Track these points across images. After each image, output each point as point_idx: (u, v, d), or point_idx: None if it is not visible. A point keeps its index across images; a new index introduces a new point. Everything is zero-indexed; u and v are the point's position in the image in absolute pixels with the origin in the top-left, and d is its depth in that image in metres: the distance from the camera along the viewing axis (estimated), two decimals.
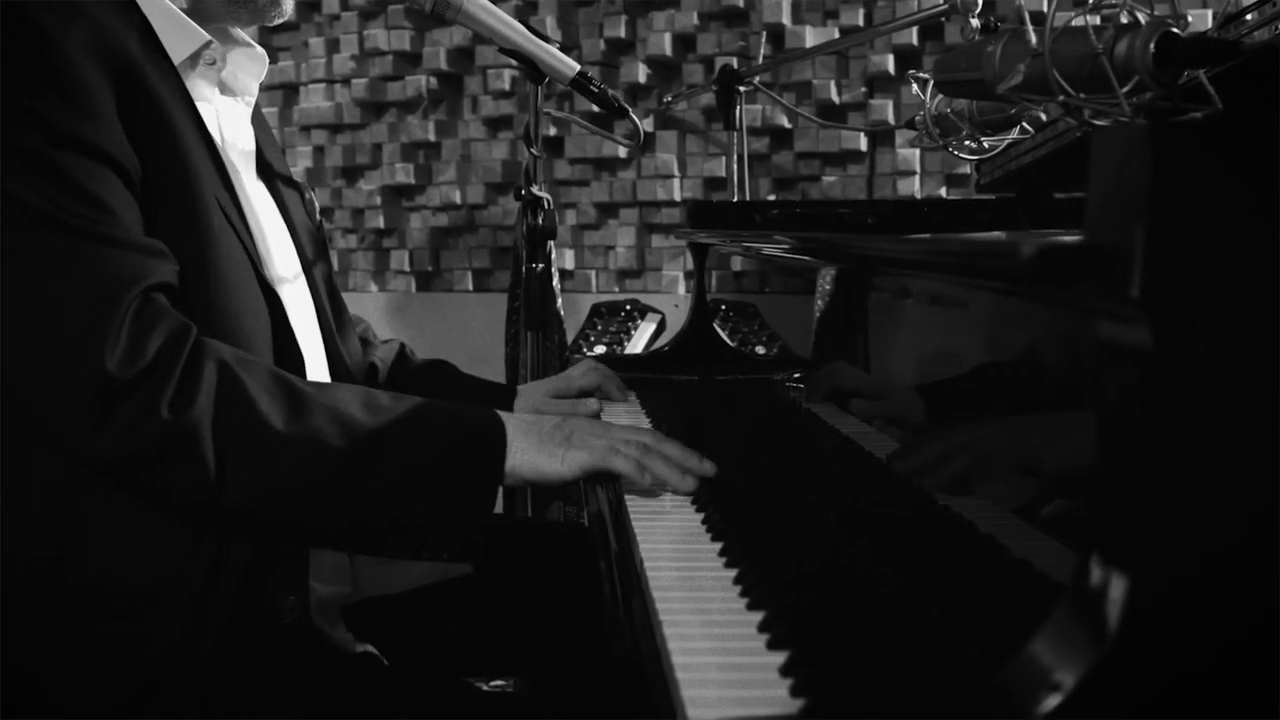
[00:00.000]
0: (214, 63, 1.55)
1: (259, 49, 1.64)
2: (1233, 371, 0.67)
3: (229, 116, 1.60)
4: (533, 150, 1.94)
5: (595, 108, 1.89)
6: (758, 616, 1.00)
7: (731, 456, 1.61)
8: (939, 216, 2.37)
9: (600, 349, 2.96)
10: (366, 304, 4.07)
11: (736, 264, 3.50)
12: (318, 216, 1.84)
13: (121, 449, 1.26)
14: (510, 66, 3.76)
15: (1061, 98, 1.14)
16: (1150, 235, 0.61)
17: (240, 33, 1.62)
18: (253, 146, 1.64)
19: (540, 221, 2.33)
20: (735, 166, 2.91)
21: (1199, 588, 0.67)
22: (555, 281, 2.49)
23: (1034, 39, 1.17)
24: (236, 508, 1.31)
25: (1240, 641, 0.69)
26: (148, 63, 1.42)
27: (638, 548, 1.26)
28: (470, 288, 3.95)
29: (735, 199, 2.92)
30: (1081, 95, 1.13)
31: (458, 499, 1.39)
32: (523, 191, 2.29)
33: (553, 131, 3.72)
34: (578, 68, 1.69)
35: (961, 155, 1.94)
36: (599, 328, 3.06)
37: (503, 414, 1.46)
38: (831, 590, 1.10)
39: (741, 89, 2.90)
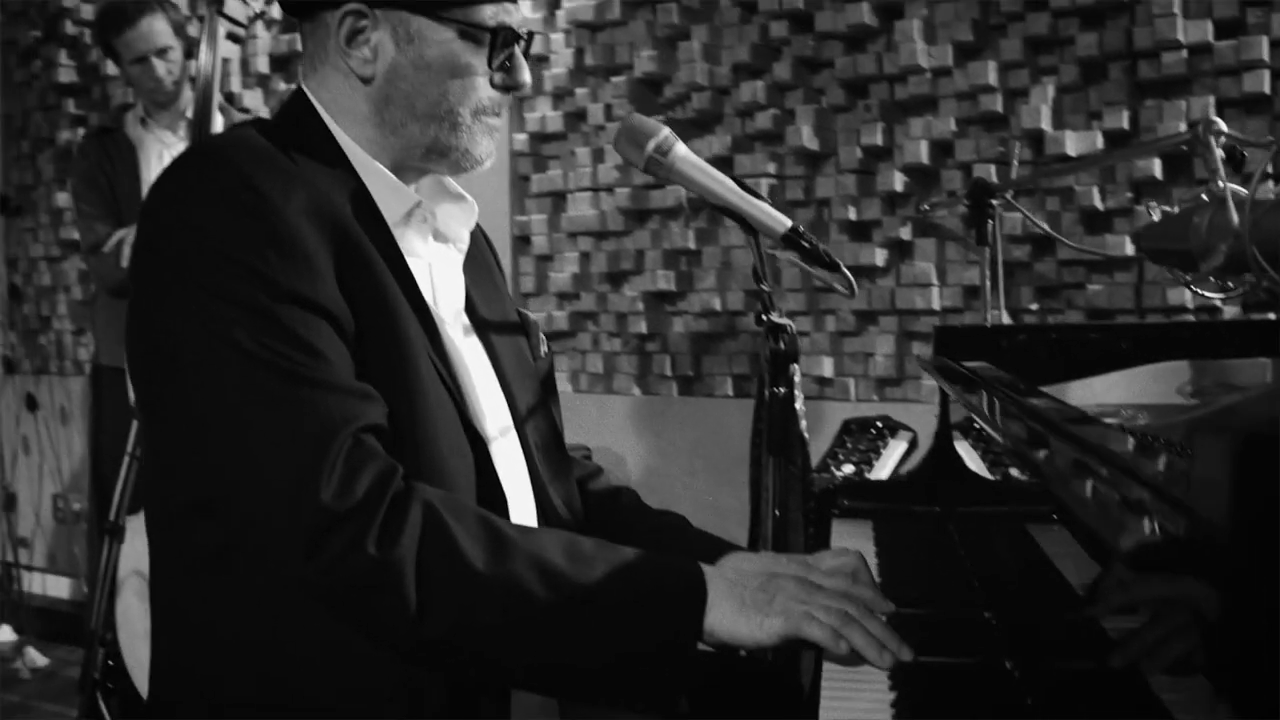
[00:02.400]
0: (425, 220, 1.64)
1: (469, 199, 1.72)
2: None
3: (441, 269, 1.68)
4: (763, 286, 1.93)
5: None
6: None
7: (940, 620, 1.56)
8: (1198, 341, 2.25)
9: (848, 468, 2.92)
10: (629, 408, 4.14)
11: None
12: (542, 351, 1.89)
13: (329, 579, 1.35)
14: (768, 175, 3.79)
15: (1266, 283, 1.07)
16: (1244, 545, 0.56)
17: (452, 183, 1.71)
18: (462, 300, 1.71)
19: (782, 346, 2.32)
20: (988, 284, 2.83)
21: None
22: (799, 404, 2.47)
23: (1235, 217, 1.11)
24: (433, 643, 1.37)
25: None
26: (362, 223, 1.52)
27: None
28: (730, 393, 3.97)
29: (988, 316, 2.85)
30: None
31: (655, 657, 1.39)
32: (763, 318, 2.28)
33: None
34: (789, 223, 1.68)
35: (1204, 293, 1.84)
36: (848, 445, 3.02)
37: (709, 570, 1.45)
38: None
39: (995, 202, 2.84)
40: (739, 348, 3.95)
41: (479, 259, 1.80)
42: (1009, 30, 3.42)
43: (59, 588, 5.71)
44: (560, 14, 4.20)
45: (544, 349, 1.89)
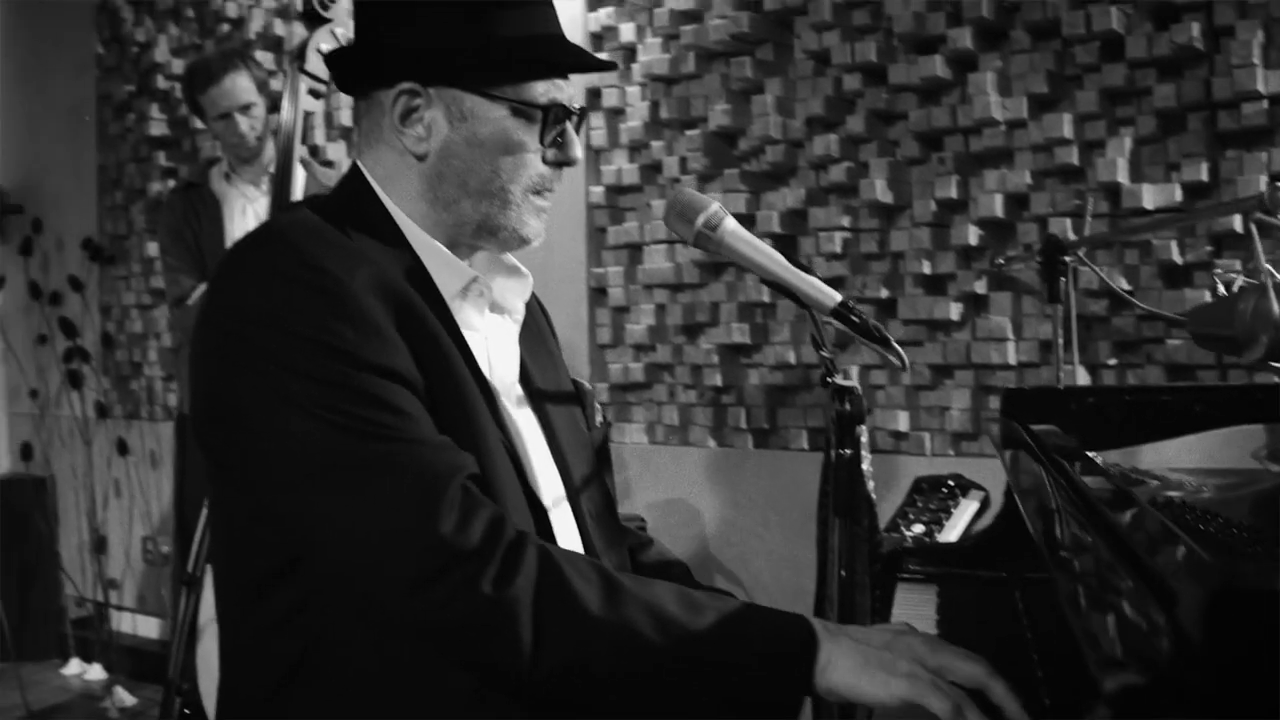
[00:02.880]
0: (482, 294, 1.66)
1: (523, 271, 1.75)
2: None
3: (496, 340, 1.70)
4: (823, 353, 1.92)
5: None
6: None
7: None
8: (1273, 403, 2.20)
9: (918, 528, 2.88)
10: (704, 460, 4.13)
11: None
12: (597, 420, 1.90)
13: (441, 615, 1.37)
14: (842, 228, 3.78)
15: None
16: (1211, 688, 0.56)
17: (509, 256, 1.73)
18: (517, 371, 1.73)
19: (848, 408, 2.30)
20: (1060, 342, 2.79)
21: None
22: (866, 464, 2.45)
23: (1277, 307, 1.09)
24: (544, 685, 1.39)
25: None
26: (420, 297, 1.55)
27: None
28: (805, 446, 3.95)
29: (1060, 375, 2.80)
30: None
31: (763, 708, 1.39)
32: (828, 380, 2.27)
33: (884, 294, 3.70)
34: (839, 298, 1.67)
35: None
36: (919, 505, 2.98)
37: (830, 627, 1.43)
38: None
39: (1067, 259, 2.80)
40: (814, 400, 3.93)
41: (534, 329, 1.82)
42: (1085, 82, 3.38)
43: (148, 628, 5.83)
44: (636, 67, 4.23)
45: (599, 418, 1.91)
